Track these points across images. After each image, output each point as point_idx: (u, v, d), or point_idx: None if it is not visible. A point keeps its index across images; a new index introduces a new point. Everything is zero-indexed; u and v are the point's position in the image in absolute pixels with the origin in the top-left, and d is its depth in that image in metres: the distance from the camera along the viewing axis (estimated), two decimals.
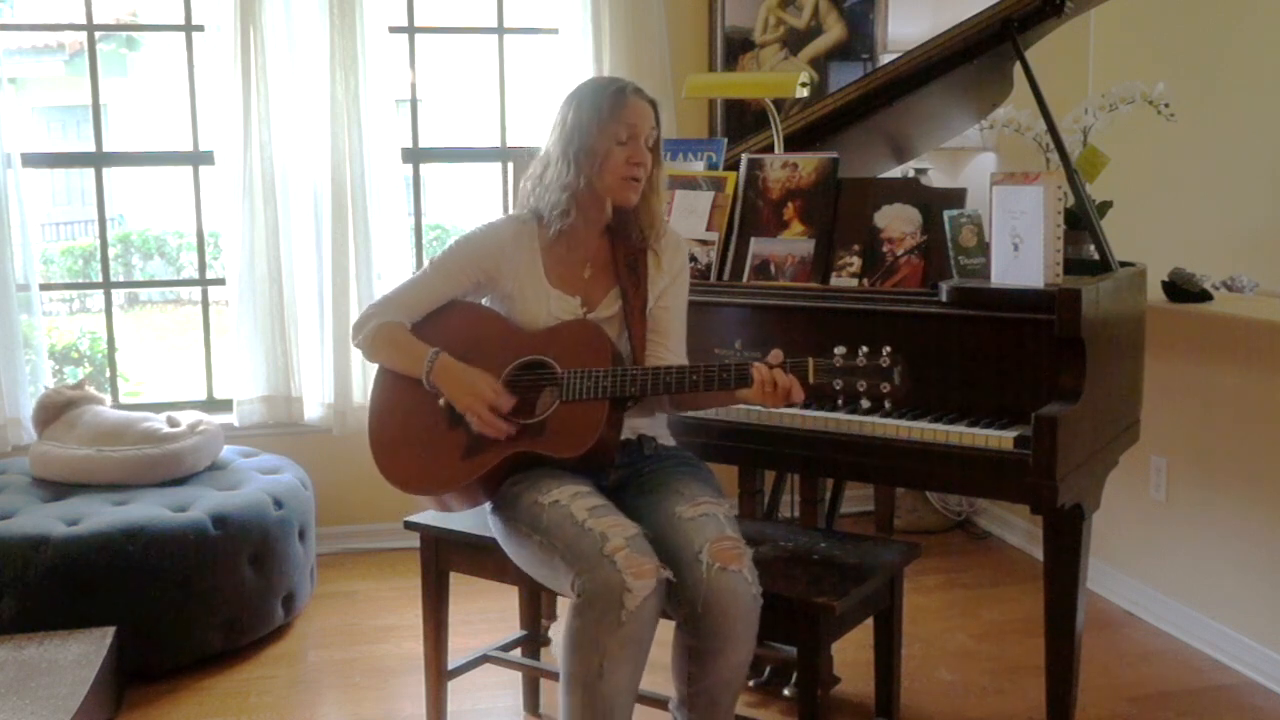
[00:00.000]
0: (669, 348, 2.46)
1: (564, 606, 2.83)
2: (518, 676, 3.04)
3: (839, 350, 2.14)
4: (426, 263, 2.50)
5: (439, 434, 2.36)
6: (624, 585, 2.06)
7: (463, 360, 2.35)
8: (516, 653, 3.01)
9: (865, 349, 2.13)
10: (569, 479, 2.27)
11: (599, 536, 2.12)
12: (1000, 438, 2.34)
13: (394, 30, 4.08)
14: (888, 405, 2.13)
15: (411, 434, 2.39)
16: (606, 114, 2.33)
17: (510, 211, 2.51)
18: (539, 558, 2.24)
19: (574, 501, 2.20)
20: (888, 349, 2.12)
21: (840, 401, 2.15)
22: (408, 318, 2.45)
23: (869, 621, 2.55)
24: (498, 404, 2.29)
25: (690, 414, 2.63)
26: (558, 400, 2.29)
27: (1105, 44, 4.14)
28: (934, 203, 2.63)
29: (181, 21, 4.08)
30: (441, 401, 2.35)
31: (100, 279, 4.41)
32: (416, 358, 2.37)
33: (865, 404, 2.13)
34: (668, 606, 2.17)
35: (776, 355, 2.19)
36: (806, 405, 2.58)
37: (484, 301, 2.50)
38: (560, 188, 2.36)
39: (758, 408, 2.58)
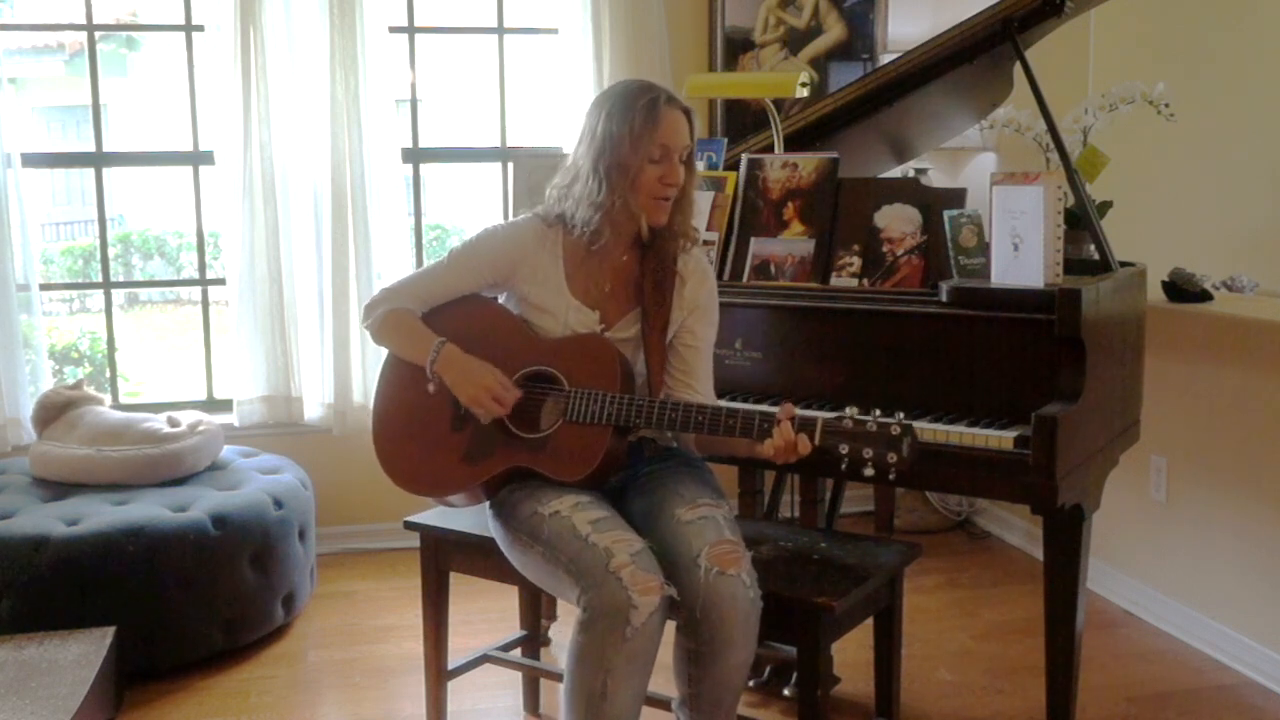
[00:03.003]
0: (696, 389, 2.38)
1: (564, 606, 2.82)
2: (518, 676, 3.04)
3: (850, 410, 2.09)
4: (446, 252, 2.43)
5: (441, 435, 2.34)
6: (629, 603, 2.04)
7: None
8: (516, 653, 3.00)
9: (878, 411, 2.07)
10: (569, 488, 2.25)
11: (603, 552, 2.10)
12: (1000, 438, 2.33)
13: (394, 30, 4.08)
14: (892, 477, 2.04)
15: (414, 432, 2.38)
16: (640, 130, 2.21)
17: (535, 209, 2.41)
18: (542, 568, 2.23)
19: (575, 513, 2.18)
20: (900, 415, 2.06)
21: (843, 467, 2.06)
22: (419, 307, 2.40)
23: (869, 621, 2.55)
24: (503, 397, 2.26)
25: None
26: (561, 419, 2.26)
27: (1105, 44, 4.14)
28: (934, 203, 2.63)
29: (181, 21, 4.08)
30: (431, 387, 2.32)
31: (100, 279, 4.41)
32: (422, 345, 2.33)
33: (869, 472, 2.05)
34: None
35: (788, 409, 2.12)
36: (807, 407, 2.58)
37: (500, 299, 2.45)
38: (591, 205, 2.27)
39: (761, 407, 2.58)
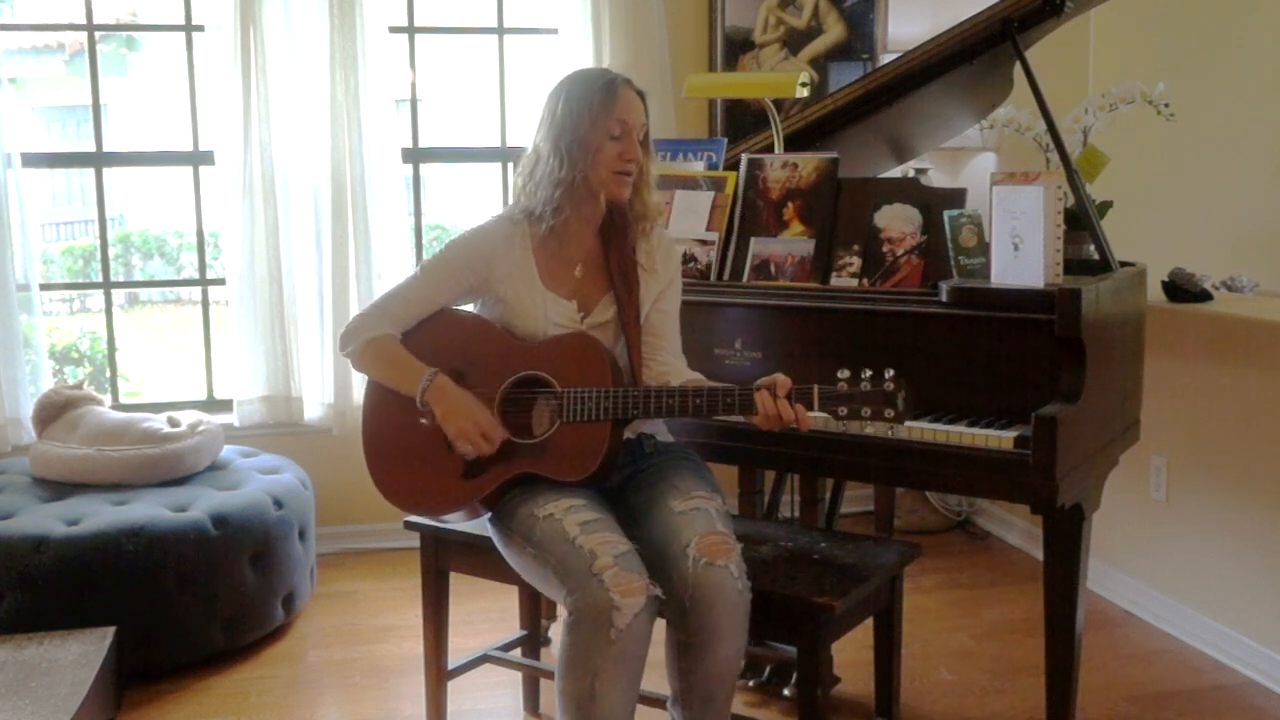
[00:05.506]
0: (669, 350, 2.44)
1: (563, 608, 2.82)
2: (518, 676, 3.04)
3: (842, 374, 2.11)
4: (417, 267, 2.45)
5: (438, 453, 2.32)
6: (612, 604, 2.05)
7: (458, 374, 2.31)
8: (516, 652, 3.00)
9: (869, 372, 2.10)
10: (567, 491, 2.25)
11: (588, 554, 2.10)
12: (1000, 438, 2.34)
13: (394, 30, 4.08)
14: (891, 432, 2.11)
15: (409, 451, 2.35)
16: (598, 108, 2.29)
17: (500, 212, 2.46)
18: (534, 570, 2.24)
19: (567, 516, 2.18)
20: (891, 372, 2.09)
21: (843, 429, 2.14)
22: (398, 327, 2.38)
23: (869, 621, 2.55)
24: (492, 436, 2.26)
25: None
26: (559, 421, 2.26)
27: (1105, 44, 4.15)
28: (934, 203, 2.63)
29: (181, 21, 4.08)
30: (424, 420, 2.30)
31: (100, 279, 4.41)
32: (411, 376, 2.31)
33: (869, 430, 2.12)
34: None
35: (784, 384, 2.14)
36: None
37: (478, 306, 2.45)
38: (552, 183, 2.31)
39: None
